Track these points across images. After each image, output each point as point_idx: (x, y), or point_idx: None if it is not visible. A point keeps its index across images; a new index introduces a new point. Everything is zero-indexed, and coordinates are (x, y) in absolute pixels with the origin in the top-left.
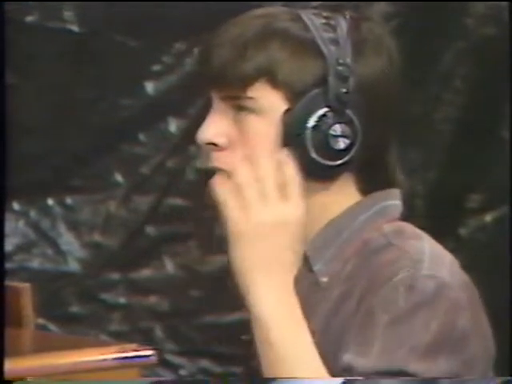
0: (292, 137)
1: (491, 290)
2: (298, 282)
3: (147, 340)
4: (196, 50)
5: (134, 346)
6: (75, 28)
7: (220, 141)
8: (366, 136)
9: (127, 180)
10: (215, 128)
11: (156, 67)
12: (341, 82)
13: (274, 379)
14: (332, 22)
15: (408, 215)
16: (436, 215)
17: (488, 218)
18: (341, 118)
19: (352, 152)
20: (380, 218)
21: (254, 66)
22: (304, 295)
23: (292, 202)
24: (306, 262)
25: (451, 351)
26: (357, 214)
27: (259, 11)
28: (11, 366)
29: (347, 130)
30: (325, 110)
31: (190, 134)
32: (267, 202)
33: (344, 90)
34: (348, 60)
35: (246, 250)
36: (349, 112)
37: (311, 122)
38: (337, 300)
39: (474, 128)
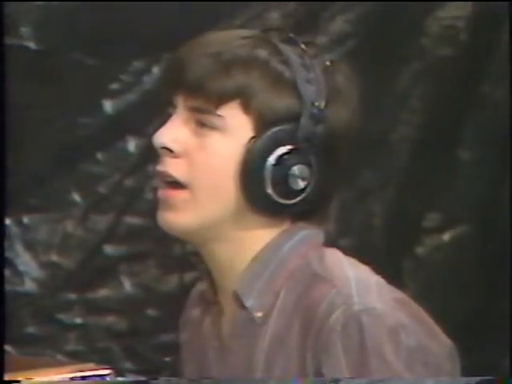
0: (251, 165)
1: (448, 309)
2: (231, 320)
3: (104, 360)
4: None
5: (90, 365)
6: (32, 45)
7: (176, 147)
8: (319, 181)
9: (85, 199)
10: (173, 134)
11: (114, 86)
12: (313, 124)
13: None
14: (307, 62)
15: (366, 234)
16: (394, 234)
17: (446, 237)
18: (304, 159)
19: (304, 194)
20: (303, 245)
21: (233, 84)
22: (239, 333)
23: None
24: (237, 300)
25: (410, 368)
26: (281, 245)
27: (242, 33)
28: None
29: (307, 171)
30: (290, 147)
31: (148, 153)
32: None
33: (314, 133)
34: (323, 105)
35: None
36: (311, 155)
37: (274, 156)
38: (274, 338)
39: (431, 148)
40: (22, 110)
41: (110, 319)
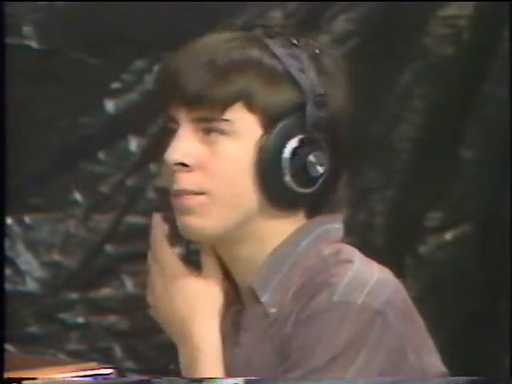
0: (267, 162)
1: (450, 308)
2: (245, 315)
3: (106, 359)
4: (157, 70)
5: (92, 365)
6: (34, 44)
7: (189, 161)
8: (330, 165)
9: (86, 199)
10: (184, 148)
11: (116, 85)
12: (319, 109)
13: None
14: (294, 52)
15: (367, 234)
16: (396, 234)
17: (448, 236)
18: (317, 146)
19: (320, 181)
20: (321, 241)
21: (234, 88)
22: (253, 328)
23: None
24: (253, 294)
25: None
26: (298, 240)
27: (226, 36)
28: None
29: (323, 157)
30: (302, 136)
31: (150, 152)
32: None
33: (320, 118)
34: (322, 90)
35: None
36: (322, 140)
37: (289, 148)
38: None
39: (433, 147)
40: (22, 110)
41: (112, 319)
